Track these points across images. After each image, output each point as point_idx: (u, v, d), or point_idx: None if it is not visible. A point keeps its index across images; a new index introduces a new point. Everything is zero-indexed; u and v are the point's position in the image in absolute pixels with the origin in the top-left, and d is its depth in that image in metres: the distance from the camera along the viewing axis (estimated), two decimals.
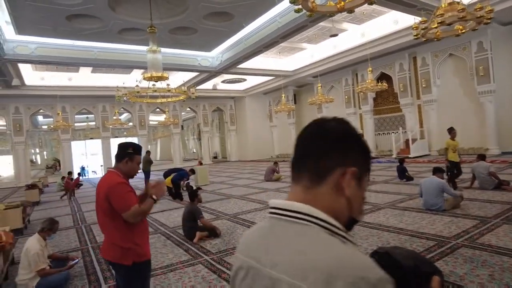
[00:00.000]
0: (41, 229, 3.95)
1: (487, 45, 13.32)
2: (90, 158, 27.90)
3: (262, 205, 7.54)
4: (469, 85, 14.07)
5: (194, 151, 36.82)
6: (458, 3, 5.31)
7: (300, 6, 4.47)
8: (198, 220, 5.21)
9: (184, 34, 13.18)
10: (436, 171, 5.98)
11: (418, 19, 6.74)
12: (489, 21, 5.33)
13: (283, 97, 18.80)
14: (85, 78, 18.54)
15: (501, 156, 12.55)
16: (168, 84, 10.07)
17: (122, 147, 2.34)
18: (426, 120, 16.14)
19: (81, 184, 14.53)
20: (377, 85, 13.46)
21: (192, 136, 37.59)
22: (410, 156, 14.70)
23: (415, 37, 6.02)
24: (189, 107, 25.51)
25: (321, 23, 13.18)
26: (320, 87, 16.25)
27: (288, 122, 23.84)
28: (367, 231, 4.77)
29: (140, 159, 2.38)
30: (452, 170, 7.44)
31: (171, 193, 9.82)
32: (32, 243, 3.74)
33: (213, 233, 5.17)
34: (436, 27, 5.41)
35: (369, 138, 17.76)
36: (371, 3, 4.54)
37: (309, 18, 11.25)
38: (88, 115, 24.13)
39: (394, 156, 15.69)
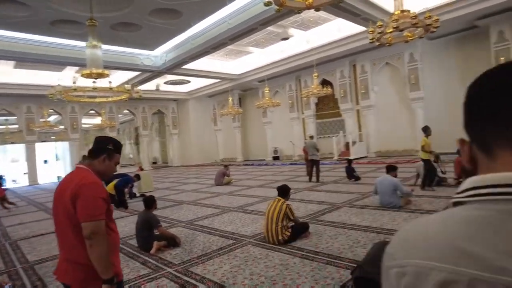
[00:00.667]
0: None
1: (417, 56, 14.65)
2: (9, 166, 24.59)
3: (218, 209, 7.20)
4: (403, 92, 15.31)
5: (131, 156, 34.84)
6: (409, 11, 5.67)
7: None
8: (155, 229, 4.72)
9: (126, 30, 12.27)
10: (390, 169, 6.22)
11: (362, 28, 7.13)
12: (435, 29, 5.78)
13: (230, 100, 18.59)
14: (5, 74, 16.20)
15: None
16: (110, 82, 9.25)
17: (100, 141, 1.92)
18: (364, 124, 17.17)
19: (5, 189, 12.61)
20: (322, 90, 13.96)
21: (128, 140, 35.53)
22: (350, 158, 15.46)
23: (371, 40, 6.30)
24: (128, 109, 23.94)
25: (270, 28, 13.28)
26: (268, 91, 16.38)
27: (233, 126, 23.70)
28: (334, 231, 4.74)
29: (119, 159, 1.96)
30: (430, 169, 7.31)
31: (114, 201, 8.94)
32: None
33: (172, 242, 4.71)
34: (391, 32, 5.70)
35: None
36: (338, 2, 4.60)
37: (260, 21, 11.28)
38: (8, 117, 21.33)
39: (335, 158, 16.40)
